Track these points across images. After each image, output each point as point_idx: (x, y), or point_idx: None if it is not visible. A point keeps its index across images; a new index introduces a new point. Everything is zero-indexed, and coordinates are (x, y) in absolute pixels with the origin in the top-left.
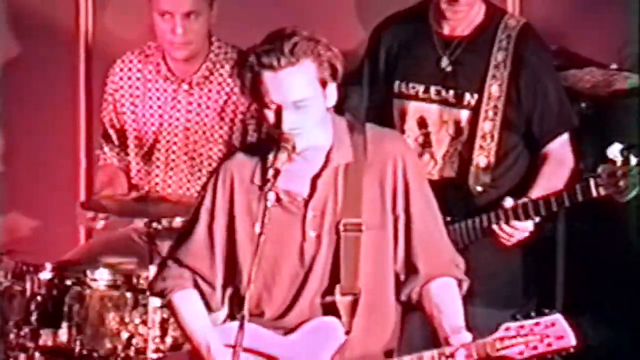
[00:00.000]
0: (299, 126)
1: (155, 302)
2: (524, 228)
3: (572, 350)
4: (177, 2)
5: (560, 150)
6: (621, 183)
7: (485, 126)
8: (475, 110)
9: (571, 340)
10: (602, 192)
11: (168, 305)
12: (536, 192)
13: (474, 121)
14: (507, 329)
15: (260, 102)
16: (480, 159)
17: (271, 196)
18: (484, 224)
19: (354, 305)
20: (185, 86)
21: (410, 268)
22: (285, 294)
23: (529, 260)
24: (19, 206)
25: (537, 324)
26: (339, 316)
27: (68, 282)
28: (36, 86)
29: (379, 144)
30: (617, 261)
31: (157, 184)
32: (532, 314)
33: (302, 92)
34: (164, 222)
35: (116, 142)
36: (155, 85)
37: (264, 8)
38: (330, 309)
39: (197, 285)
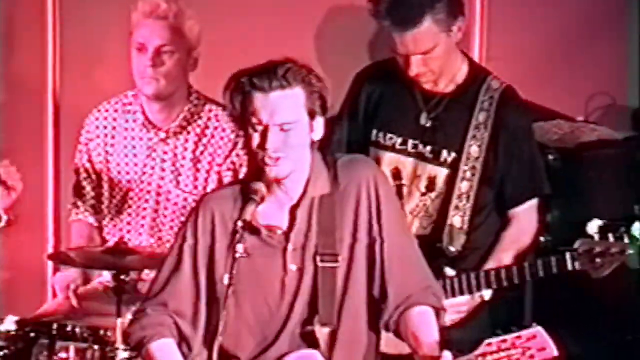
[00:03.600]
0: (283, 149)
1: (122, 354)
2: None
3: None
4: (149, 35)
5: (524, 215)
6: (598, 260)
7: (462, 186)
8: (452, 169)
9: (553, 351)
10: (578, 266)
11: (144, 354)
12: (491, 260)
13: (450, 180)
14: (489, 344)
15: (248, 123)
16: (456, 219)
17: (239, 248)
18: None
19: (332, 335)
20: (162, 134)
21: (384, 293)
22: (266, 331)
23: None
24: None
25: (518, 337)
26: (317, 346)
27: (35, 335)
28: (4, 139)
29: (349, 171)
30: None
31: (128, 231)
32: (513, 328)
33: (289, 116)
34: (132, 274)
35: (90, 194)
36: (132, 134)
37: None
38: (309, 340)
39: (178, 329)
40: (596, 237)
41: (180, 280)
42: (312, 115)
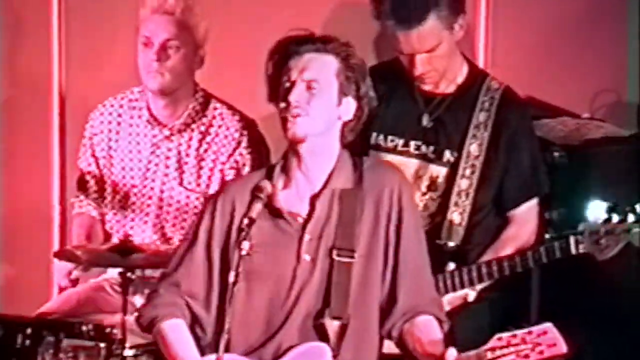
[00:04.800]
0: (304, 107)
1: (128, 352)
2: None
3: (563, 357)
4: (156, 30)
5: (524, 216)
6: (602, 241)
7: (462, 183)
8: (453, 168)
9: (562, 347)
10: (582, 249)
11: (156, 333)
12: (488, 255)
13: (451, 178)
14: (499, 339)
15: (281, 88)
16: (455, 215)
17: (245, 245)
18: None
19: (342, 329)
20: (166, 132)
21: (392, 299)
22: (272, 319)
23: (502, 297)
24: None
25: (529, 332)
26: (327, 339)
27: (41, 333)
28: (10, 135)
29: (375, 173)
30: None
31: (132, 227)
32: (524, 324)
33: (318, 74)
34: (138, 272)
35: (93, 189)
36: (137, 130)
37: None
38: (320, 332)
39: (190, 310)
40: (599, 219)
41: (194, 261)
42: (343, 90)
